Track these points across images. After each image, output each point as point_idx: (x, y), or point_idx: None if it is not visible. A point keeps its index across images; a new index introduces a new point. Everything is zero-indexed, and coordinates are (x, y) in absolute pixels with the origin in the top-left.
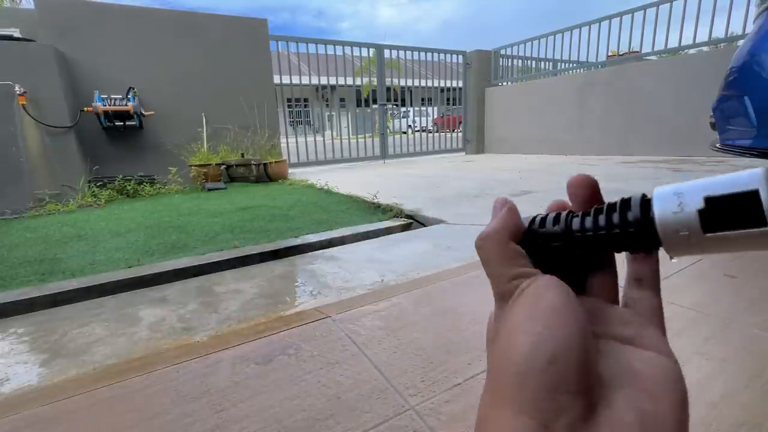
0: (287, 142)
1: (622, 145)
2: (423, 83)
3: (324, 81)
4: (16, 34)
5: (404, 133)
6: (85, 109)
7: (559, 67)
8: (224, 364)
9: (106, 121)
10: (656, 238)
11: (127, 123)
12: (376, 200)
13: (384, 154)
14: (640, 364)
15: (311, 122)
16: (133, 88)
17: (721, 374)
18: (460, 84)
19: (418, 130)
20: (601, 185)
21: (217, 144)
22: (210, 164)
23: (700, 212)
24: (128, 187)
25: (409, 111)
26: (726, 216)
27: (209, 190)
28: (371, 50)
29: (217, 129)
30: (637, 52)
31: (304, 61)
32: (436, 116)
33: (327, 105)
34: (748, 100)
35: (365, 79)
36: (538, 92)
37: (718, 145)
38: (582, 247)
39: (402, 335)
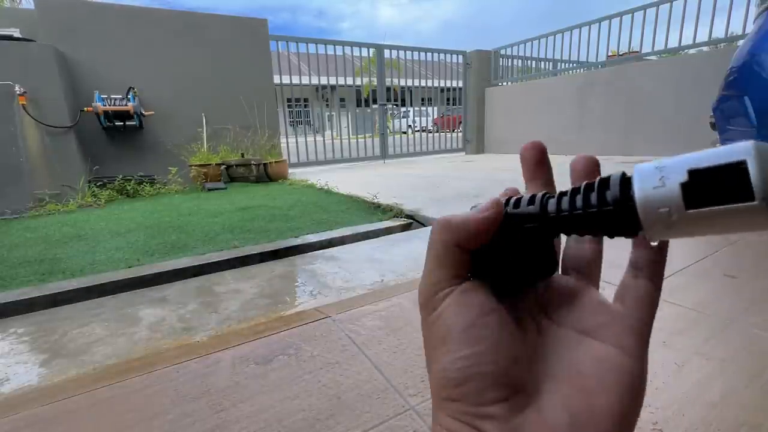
0: (287, 142)
1: (622, 145)
2: (423, 83)
3: (324, 81)
4: (16, 34)
5: (404, 133)
6: (85, 109)
7: (559, 67)
8: (224, 364)
9: (106, 121)
10: (635, 217)
11: (127, 123)
12: (376, 200)
13: (384, 154)
14: (586, 359)
15: (311, 122)
16: (133, 88)
17: (721, 374)
18: (460, 84)
19: (418, 130)
20: None
21: (217, 144)
22: (210, 164)
23: (683, 186)
24: (128, 187)
25: (409, 111)
26: (711, 190)
27: (209, 190)
28: (371, 50)
29: (217, 129)
30: (637, 52)
31: (304, 61)
32: (436, 116)
33: (327, 105)
34: (748, 100)
35: (365, 79)
36: (538, 92)
37: (718, 145)
38: (558, 229)
39: (402, 335)
